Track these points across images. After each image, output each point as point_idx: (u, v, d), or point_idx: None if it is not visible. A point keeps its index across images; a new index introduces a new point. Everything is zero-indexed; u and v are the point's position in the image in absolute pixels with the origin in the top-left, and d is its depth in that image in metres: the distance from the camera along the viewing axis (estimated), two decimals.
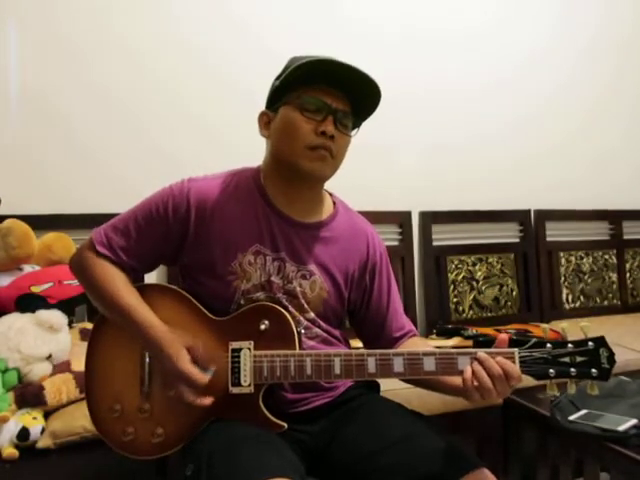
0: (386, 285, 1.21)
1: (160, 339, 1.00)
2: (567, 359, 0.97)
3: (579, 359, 0.96)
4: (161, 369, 1.03)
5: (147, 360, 1.07)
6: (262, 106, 1.14)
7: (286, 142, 1.06)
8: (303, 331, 1.08)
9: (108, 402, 1.08)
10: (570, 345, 0.97)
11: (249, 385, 1.01)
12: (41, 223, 1.90)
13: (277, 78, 1.10)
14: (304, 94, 1.05)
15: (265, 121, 1.12)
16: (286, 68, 1.08)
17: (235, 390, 1.02)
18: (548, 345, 0.97)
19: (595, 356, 0.96)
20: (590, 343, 0.97)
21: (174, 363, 0.98)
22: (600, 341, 0.97)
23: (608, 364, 0.96)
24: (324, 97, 1.05)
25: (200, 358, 1.00)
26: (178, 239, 1.08)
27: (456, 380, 1.00)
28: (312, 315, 1.12)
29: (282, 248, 1.09)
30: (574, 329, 0.98)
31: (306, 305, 1.11)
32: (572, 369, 0.96)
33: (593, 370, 0.96)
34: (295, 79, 1.05)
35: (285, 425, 1.02)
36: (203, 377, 0.98)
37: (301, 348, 1.04)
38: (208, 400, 0.99)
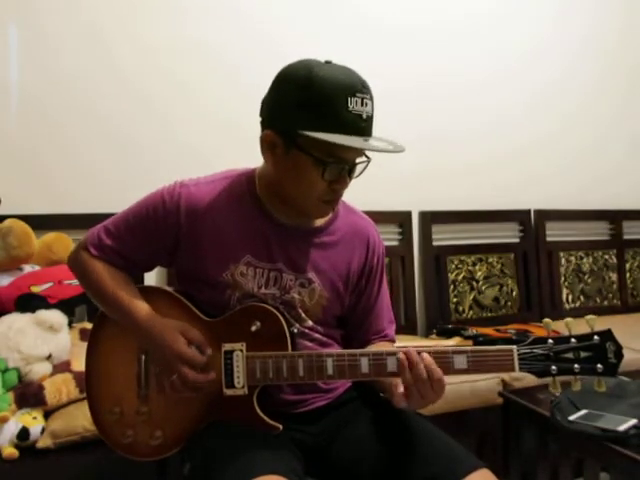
0: (376, 289, 1.19)
1: (154, 327, 1.01)
2: (570, 355, 0.92)
3: (583, 354, 0.92)
4: (158, 357, 1.03)
5: (143, 362, 1.07)
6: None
7: (297, 190, 1.01)
8: (296, 331, 1.07)
9: (108, 404, 1.08)
10: (573, 340, 0.92)
11: (243, 387, 1.01)
12: (41, 223, 1.90)
13: (295, 103, 0.94)
14: (329, 157, 0.95)
15: (270, 144, 0.99)
16: (305, 87, 0.93)
17: (229, 392, 1.02)
18: (549, 341, 0.93)
19: (601, 351, 0.91)
20: (596, 337, 0.92)
21: (170, 346, 0.98)
22: (606, 335, 0.92)
23: (615, 359, 0.91)
24: (347, 154, 0.97)
25: (195, 340, 1.01)
26: (170, 245, 1.07)
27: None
28: (310, 323, 1.11)
29: (279, 258, 1.07)
30: (581, 327, 0.95)
31: (303, 314, 1.09)
32: (576, 365, 0.92)
33: (599, 365, 0.91)
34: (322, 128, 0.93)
35: (280, 427, 1.02)
36: (200, 356, 0.99)
37: (295, 348, 1.03)
38: (210, 374, 1.00)
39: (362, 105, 0.94)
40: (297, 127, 0.94)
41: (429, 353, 0.95)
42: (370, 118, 0.97)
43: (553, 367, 0.93)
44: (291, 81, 0.97)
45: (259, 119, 1.03)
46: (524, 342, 0.94)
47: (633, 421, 1.31)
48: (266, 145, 1.00)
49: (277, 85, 1.00)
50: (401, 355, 0.95)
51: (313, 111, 0.93)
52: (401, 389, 0.95)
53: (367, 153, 1.01)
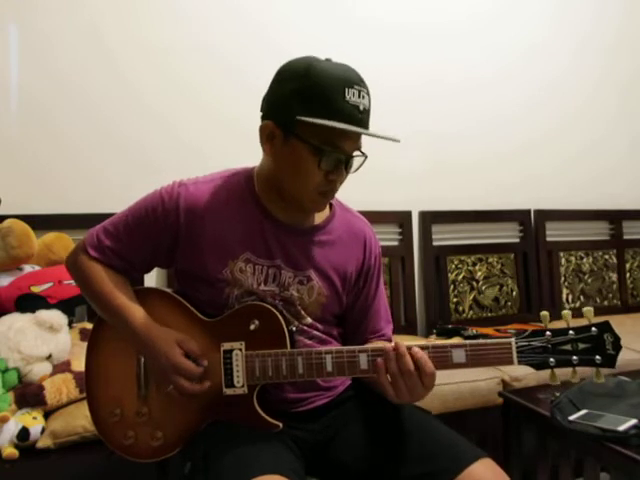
0: (374, 289, 1.19)
1: (151, 336, 1.01)
2: (569, 347, 0.92)
3: (582, 346, 0.92)
4: (154, 366, 1.04)
5: (143, 363, 1.07)
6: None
7: (294, 181, 1.02)
8: (295, 329, 1.07)
9: (108, 406, 1.08)
10: (571, 332, 0.92)
11: (242, 386, 1.01)
12: (41, 223, 1.91)
13: (295, 92, 0.96)
14: (326, 145, 0.96)
15: (269, 135, 1.01)
16: (304, 77, 0.95)
17: (229, 391, 1.02)
18: (547, 333, 0.93)
19: (599, 342, 0.91)
20: (593, 329, 0.92)
21: (167, 357, 0.99)
22: (604, 326, 0.92)
23: (613, 350, 0.91)
24: (344, 144, 0.98)
25: (191, 351, 1.01)
26: (169, 245, 1.07)
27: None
28: (309, 320, 1.11)
29: (277, 255, 1.07)
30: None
31: (303, 312, 1.10)
32: (574, 357, 0.92)
33: (597, 357, 0.91)
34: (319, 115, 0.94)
35: (280, 425, 1.02)
36: (197, 368, 1.00)
37: (293, 346, 1.03)
38: (206, 384, 1.00)
39: (359, 97, 0.96)
40: (295, 114, 0.95)
41: (427, 348, 0.95)
42: (367, 111, 0.99)
43: (551, 359, 0.93)
44: (291, 73, 0.99)
45: (259, 115, 1.04)
46: (522, 335, 0.94)
47: (633, 421, 1.31)
48: (265, 135, 1.02)
49: (277, 78, 1.02)
50: (388, 346, 0.95)
51: (311, 99, 0.95)
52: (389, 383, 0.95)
53: (364, 150, 1.02)
